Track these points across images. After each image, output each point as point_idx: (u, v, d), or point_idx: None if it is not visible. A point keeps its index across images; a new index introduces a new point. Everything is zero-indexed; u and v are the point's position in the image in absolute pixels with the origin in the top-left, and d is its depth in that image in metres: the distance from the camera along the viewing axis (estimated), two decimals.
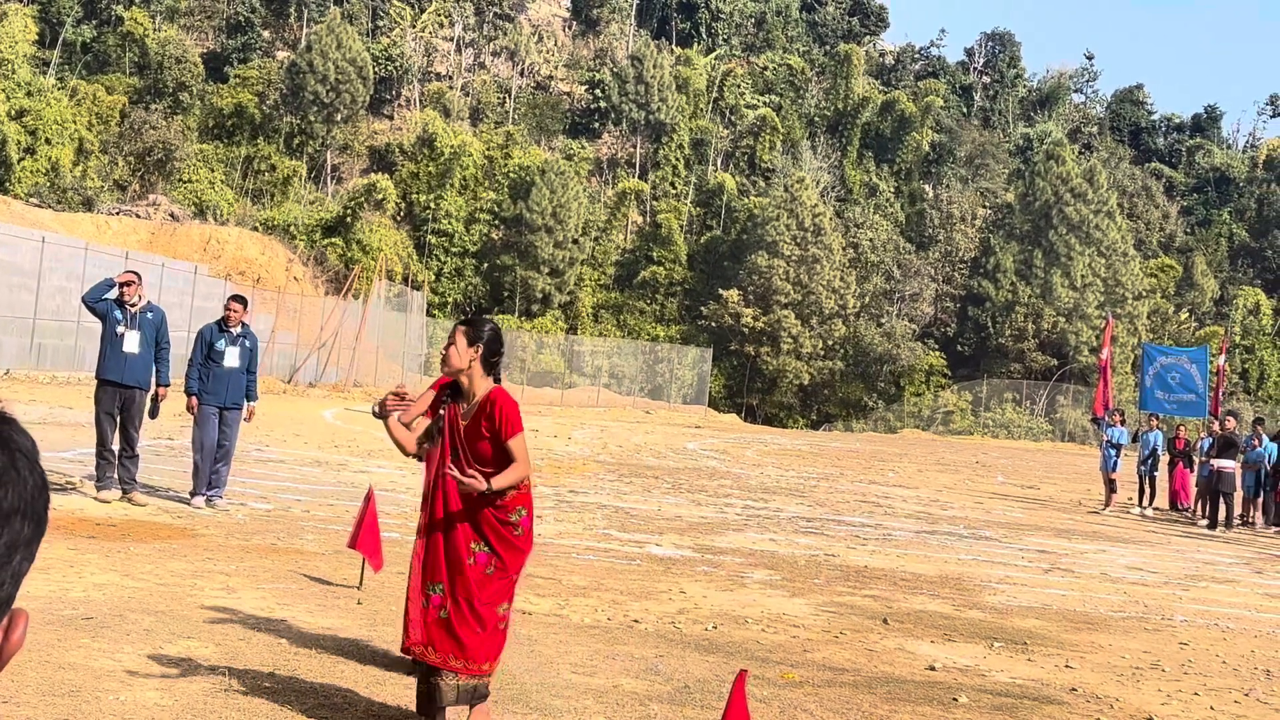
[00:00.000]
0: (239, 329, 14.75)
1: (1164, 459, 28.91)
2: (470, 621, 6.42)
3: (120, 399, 14.20)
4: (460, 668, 6.43)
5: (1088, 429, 66.64)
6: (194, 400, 14.40)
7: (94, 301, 14.35)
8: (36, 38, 71.99)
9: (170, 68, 74.19)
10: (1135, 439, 29.33)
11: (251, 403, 14.98)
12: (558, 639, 9.32)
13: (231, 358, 14.57)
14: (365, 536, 10.33)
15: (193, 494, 14.50)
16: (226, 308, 14.89)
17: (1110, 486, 27.73)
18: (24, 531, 1.45)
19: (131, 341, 14.17)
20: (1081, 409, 71.94)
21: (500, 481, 6.43)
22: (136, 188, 68.32)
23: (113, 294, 14.28)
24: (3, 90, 62.93)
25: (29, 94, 65.48)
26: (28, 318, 36.82)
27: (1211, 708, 9.04)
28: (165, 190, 68.39)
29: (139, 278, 14.80)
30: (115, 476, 14.13)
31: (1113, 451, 27.85)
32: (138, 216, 62.85)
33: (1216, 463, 25.41)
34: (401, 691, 7.36)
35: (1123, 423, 29.45)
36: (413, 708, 7.01)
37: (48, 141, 63.34)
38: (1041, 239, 77.79)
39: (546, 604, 10.74)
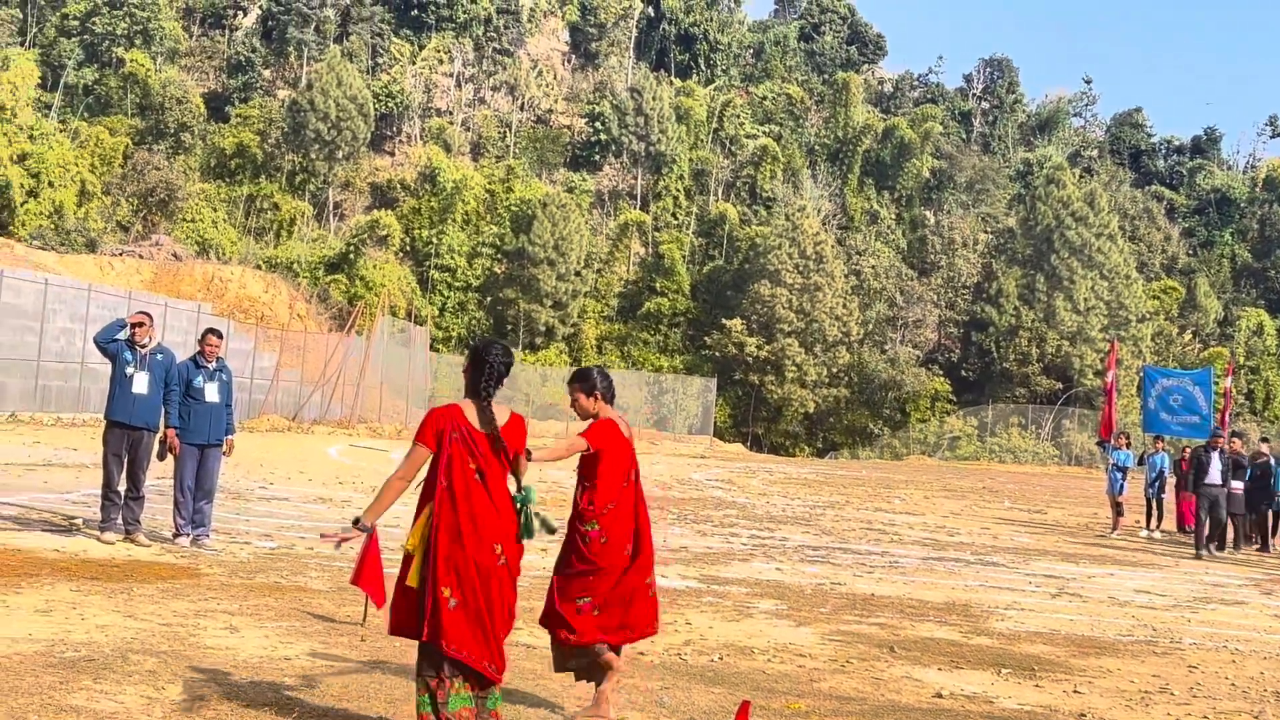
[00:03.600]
0: (215, 364, 14.70)
1: (1170, 481, 28.80)
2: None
3: (129, 440, 14.14)
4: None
5: (1094, 452, 66.41)
6: (171, 433, 14.32)
7: (106, 342, 14.31)
8: (39, 81, 72.27)
9: (172, 108, 74.44)
10: (1141, 461, 29.24)
11: (230, 436, 14.91)
12: (563, 673, 9.26)
13: (211, 393, 14.51)
14: (367, 573, 10.27)
15: (176, 534, 14.43)
16: (204, 341, 14.81)
17: (1117, 509, 27.65)
18: None
19: (141, 383, 14.13)
20: (1087, 432, 71.75)
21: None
22: (139, 228, 68.50)
23: (124, 334, 14.26)
24: (5, 134, 63.16)
25: (31, 137, 65.75)
26: (32, 360, 36.83)
27: None
28: (168, 230, 68.54)
29: (150, 319, 14.77)
30: (119, 518, 14.08)
31: (1119, 474, 27.76)
32: (141, 257, 62.94)
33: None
34: None
35: (1128, 445, 29.39)
36: None
37: (51, 184, 63.54)
38: (1043, 263, 77.73)
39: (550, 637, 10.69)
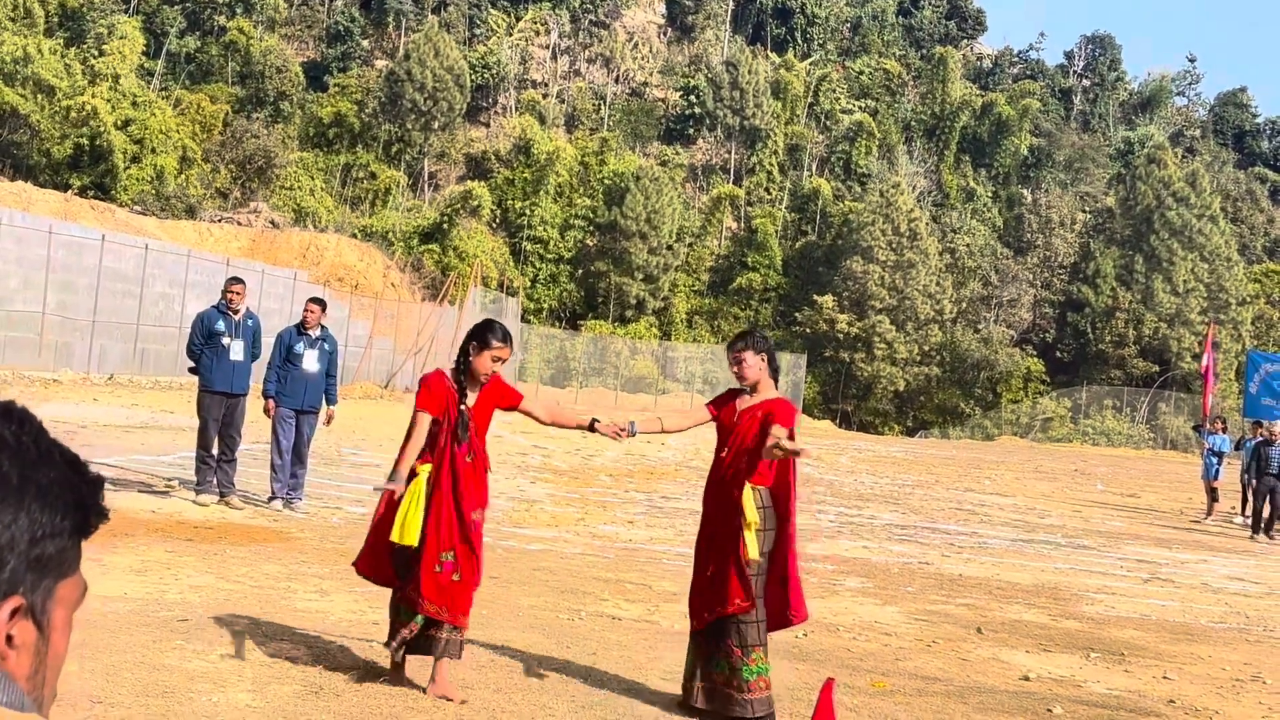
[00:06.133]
0: (318, 331, 14.77)
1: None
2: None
3: (225, 405, 14.37)
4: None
5: (1190, 436, 65.43)
6: (271, 403, 14.49)
7: (197, 348, 14.53)
8: (143, 49, 73.24)
9: (271, 77, 75.19)
10: (1238, 447, 28.79)
11: (331, 406, 14.99)
12: (647, 645, 9.30)
13: (310, 361, 14.60)
14: None
15: (271, 497, 14.62)
16: (305, 309, 14.96)
17: (1212, 495, 27.26)
18: None
19: (237, 351, 14.36)
20: (1184, 416, 70.74)
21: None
22: (238, 195, 69.32)
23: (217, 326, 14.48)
24: (110, 100, 64.14)
25: (135, 104, 66.72)
26: (131, 323, 37.44)
27: None
28: (266, 197, 69.31)
29: (244, 285, 14.98)
30: (214, 481, 14.30)
31: (1214, 459, 27.36)
32: (239, 224, 63.71)
33: None
34: (490, 696, 7.39)
35: (1224, 430, 28.93)
36: (502, 711, 7.07)
37: (153, 150, 64.47)
38: (1142, 244, 76.61)
39: (636, 609, 10.73)
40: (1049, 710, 8.39)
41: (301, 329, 14.71)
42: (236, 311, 14.49)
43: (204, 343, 14.38)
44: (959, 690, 8.78)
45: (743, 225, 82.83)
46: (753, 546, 7.31)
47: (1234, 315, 75.11)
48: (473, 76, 79.55)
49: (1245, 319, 76.46)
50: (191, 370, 15.00)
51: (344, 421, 26.77)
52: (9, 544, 1.33)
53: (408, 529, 7.17)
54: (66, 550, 1.40)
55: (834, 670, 8.84)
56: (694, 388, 69.96)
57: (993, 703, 8.49)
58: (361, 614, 9.37)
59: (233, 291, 14.55)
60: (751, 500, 7.37)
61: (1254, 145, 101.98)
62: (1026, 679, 9.37)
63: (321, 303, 15.15)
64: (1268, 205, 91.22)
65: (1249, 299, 78.62)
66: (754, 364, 7.58)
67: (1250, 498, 27.50)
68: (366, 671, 7.63)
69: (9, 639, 1.32)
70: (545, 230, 76.21)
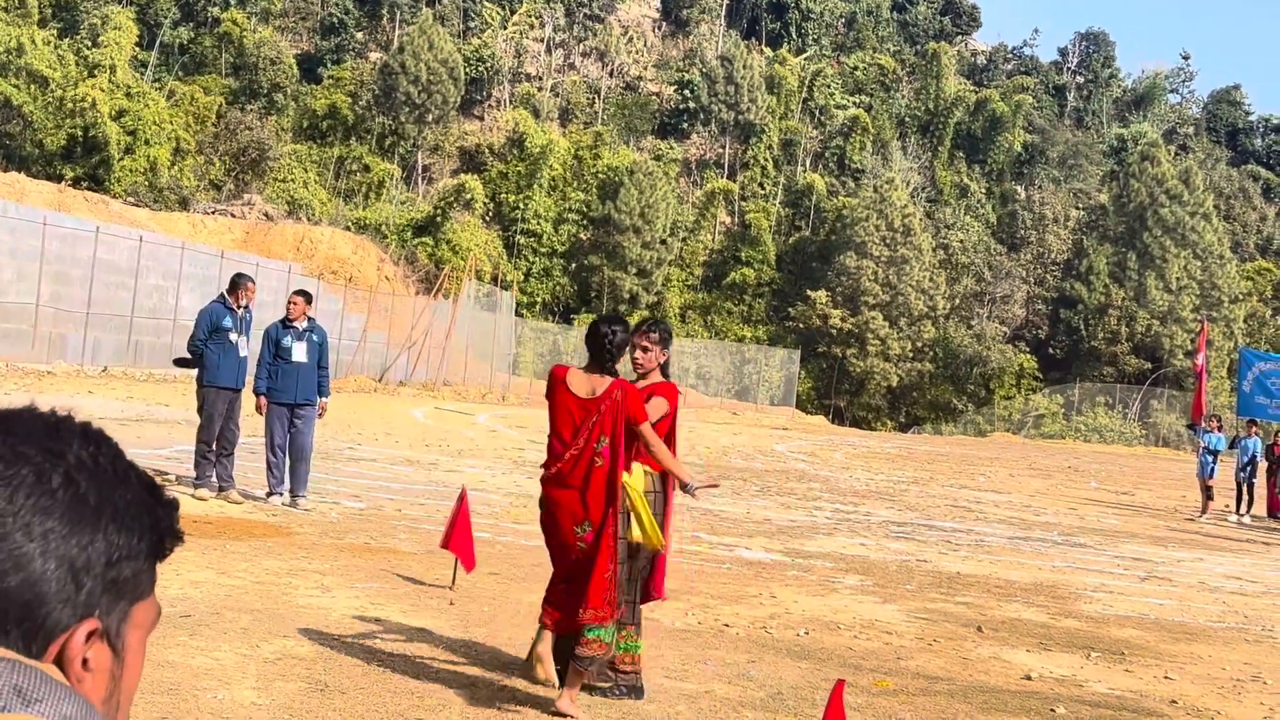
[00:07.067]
0: (304, 323, 14.58)
1: (1262, 465, 28.36)
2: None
3: (226, 400, 14.33)
4: None
5: (1182, 434, 65.52)
6: (262, 400, 14.39)
7: (199, 343, 14.46)
8: (137, 40, 73.10)
9: (265, 69, 75.12)
10: (1233, 445, 28.83)
11: (323, 399, 14.79)
12: (649, 643, 9.27)
13: (299, 353, 14.40)
14: (457, 537, 10.37)
15: (269, 493, 14.50)
16: (289, 302, 14.84)
17: (1207, 493, 27.27)
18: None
19: (243, 347, 14.35)
20: (1176, 413, 70.83)
21: None
22: (231, 187, 69.21)
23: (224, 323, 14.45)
24: (104, 91, 64.00)
25: (128, 95, 66.57)
26: (125, 315, 37.36)
27: None
28: (259, 190, 69.21)
29: (254, 283, 14.95)
30: (213, 475, 14.24)
31: (1209, 458, 27.39)
32: (233, 216, 63.64)
33: None
34: (495, 693, 7.38)
35: (1220, 428, 28.96)
36: (507, 709, 7.08)
37: (146, 142, 64.34)
38: (1135, 241, 76.71)
39: None
40: (1052, 710, 8.39)
41: (287, 322, 14.60)
42: (242, 307, 14.48)
43: (207, 338, 14.33)
44: (962, 690, 8.78)
45: (736, 220, 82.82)
46: (636, 529, 7.44)
47: (1226, 313, 75.25)
48: (467, 70, 79.46)
49: (1238, 316, 76.60)
50: (178, 362, 14.95)
51: (340, 416, 26.75)
52: (86, 566, 1.32)
53: (655, 532, 7.30)
54: (142, 573, 1.39)
55: (836, 669, 8.84)
56: (686, 382, 69.94)
57: (996, 702, 8.49)
58: (363, 610, 9.35)
59: (248, 291, 14.55)
60: (640, 483, 7.46)
61: (1247, 143, 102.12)
62: (1028, 678, 9.37)
63: (306, 294, 14.98)
64: (1260, 203, 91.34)
65: (1241, 296, 78.78)
66: (654, 355, 7.94)
67: (1246, 495, 27.57)
68: (372, 668, 7.62)
69: (84, 662, 1.32)
70: (539, 224, 76.21)
